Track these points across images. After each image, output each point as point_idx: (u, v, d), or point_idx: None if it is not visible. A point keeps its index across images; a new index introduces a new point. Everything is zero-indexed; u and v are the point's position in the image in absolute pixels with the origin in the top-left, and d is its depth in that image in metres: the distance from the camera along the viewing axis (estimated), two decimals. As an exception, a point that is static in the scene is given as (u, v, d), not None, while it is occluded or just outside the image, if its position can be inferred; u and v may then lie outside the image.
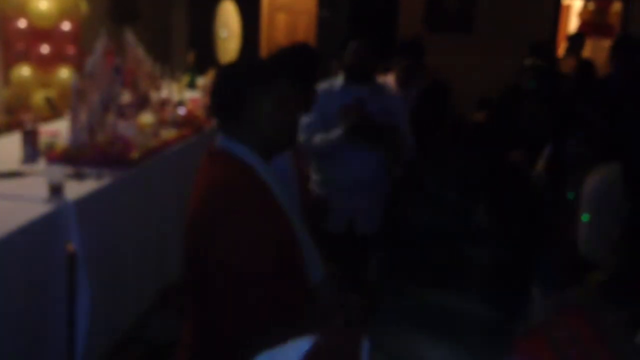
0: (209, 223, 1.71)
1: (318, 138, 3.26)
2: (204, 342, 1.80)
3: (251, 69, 1.83)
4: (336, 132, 3.21)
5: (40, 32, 5.04)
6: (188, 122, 3.69)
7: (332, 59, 4.54)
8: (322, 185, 3.41)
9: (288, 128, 1.89)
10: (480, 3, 7.83)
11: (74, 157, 2.81)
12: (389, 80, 4.21)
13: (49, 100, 4.54)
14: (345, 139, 3.19)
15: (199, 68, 5.17)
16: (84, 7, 5.36)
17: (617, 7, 8.08)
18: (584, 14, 8.50)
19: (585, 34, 7.28)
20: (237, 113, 1.79)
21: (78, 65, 4.81)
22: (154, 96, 3.62)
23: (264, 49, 8.76)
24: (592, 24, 8.16)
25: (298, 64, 2.64)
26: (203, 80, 4.86)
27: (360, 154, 3.30)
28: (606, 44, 7.56)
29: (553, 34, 7.90)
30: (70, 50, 5.17)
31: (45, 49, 5.06)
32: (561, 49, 8.15)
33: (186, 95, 4.41)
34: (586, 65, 6.43)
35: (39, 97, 4.90)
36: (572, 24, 9.10)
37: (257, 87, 1.79)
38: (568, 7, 9.12)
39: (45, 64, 5.06)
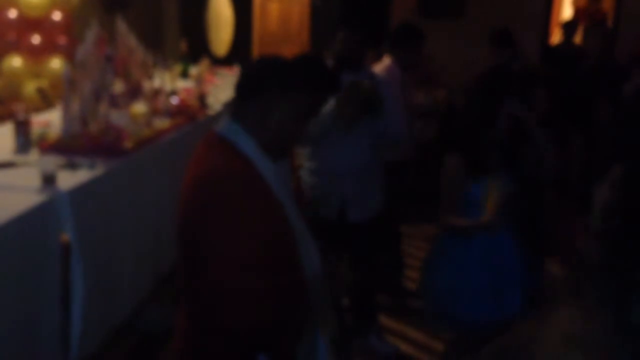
0: (202, 211, 1.70)
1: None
2: (199, 330, 1.80)
3: (287, 73, 1.83)
4: (328, 106, 3.18)
5: (31, 22, 5.00)
6: (181, 112, 3.68)
7: (325, 49, 4.52)
8: (314, 173, 3.41)
9: (290, 138, 1.89)
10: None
11: (67, 147, 2.80)
12: (386, 62, 4.18)
13: (40, 91, 4.52)
14: (336, 112, 3.16)
15: (191, 57, 5.15)
16: (74, -4, 5.32)
17: (610, -7, 8.07)
18: (577, 1, 8.50)
19: (579, 20, 7.27)
20: (255, 103, 1.80)
21: (69, 55, 4.78)
22: (147, 85, 3.60)
23: (257, 38, 8.73)
24: (585, 10, 8.16)
25: (319, 82, 2.63)
26: (196, 69, 4.84)
27: (352, 141, 3.30)
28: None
29: (546, 20, 7.89)
30: (62, 40, 5.14)
31: (36, 39, 5.02)
32: (555, 35, 8.15)
33: (179, 84, 4.40)
34: (580, 52, 6.45)
35: (30, 87, 4.87)
36: (566, 10, 9.09)
37: (284, 91, 1.79)
38: (561, -6, 9.11)
39: (36, 54, 5.02)
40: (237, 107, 1.84)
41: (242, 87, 1.85)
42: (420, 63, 4.56)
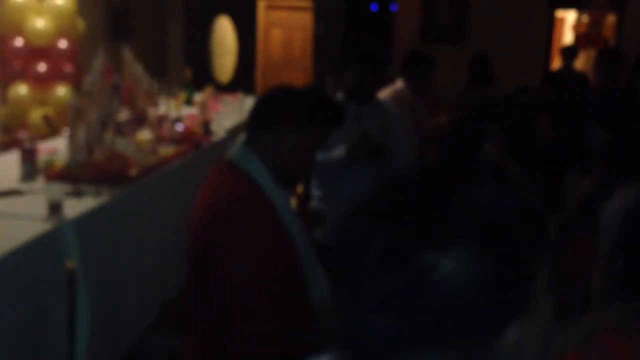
0: (213, 237, 1.71)
1: (320, 155, 3.28)
2: (207, 357, 1.80)
3: (298, 107, 1.85)
4: (339, 151, 3.24)
5: (37, 51, 5.05)
6: (186, 139, 3.70)
7: (327, 75, 4.57)
8: (322, 200, 3.43)
9: (301, 168, 1.92)
10: (473, 16, 7.89)
11: (73, 175, 2.82)
12: (397, 85, 4.26)
13: (46, 118, 4.55)
14: (347, 158, 3.22)
15: (195, 84, 5.20)
16: (80, 25, 5.38)
17: (611, 19, 8.14)
18: (578, 27, 8.57)
19: (579, 46, 7.33)
20: (267, 134, 1.82)
21: (75, 83, 4.82)
22: (152, 113, 3.63)
23: (260, 64, 8.80)
24: (586, 36, 8.23)
25: (328, 116, 2.66)
26: (200, 97, 4.88)
27: (360, 170, 3.32)
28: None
29: (547, 46, 7.95)
30: (68, 68, 5.19)
31: (42, 67, 5.07)
32: (555, 61, 8.21)
33: (183, 111, 4.43)
34: (581, 78, 6.50)
35: (36, 115, 4.91)
36: (567, 36, 9.17)
37: (295, 124, 1.82)
38: (562, 20, 9.19)
39: (42, 82, 5.07)
40: (249, 135, 1.87)
41: (255, 117, 1.87)
42: (431, 88, 4.66)
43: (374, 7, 7.94)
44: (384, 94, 4.11)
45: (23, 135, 4.22)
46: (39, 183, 2.83)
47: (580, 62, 7.59)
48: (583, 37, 8.20)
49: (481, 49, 6.17)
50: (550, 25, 7.94)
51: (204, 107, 4.31)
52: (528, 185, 3.22)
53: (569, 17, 9.21)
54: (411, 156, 3.55)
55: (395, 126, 3.43)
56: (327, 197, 3.42)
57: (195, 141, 3.76)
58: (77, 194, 2.68)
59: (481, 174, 2.89)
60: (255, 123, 1.87)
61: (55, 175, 2.84)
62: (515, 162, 3.17)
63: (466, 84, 6.06)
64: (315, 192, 3.46)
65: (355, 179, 3.36)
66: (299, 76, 8.78)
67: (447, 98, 6.50)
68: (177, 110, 4.23)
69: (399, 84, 4.27)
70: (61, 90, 5.08)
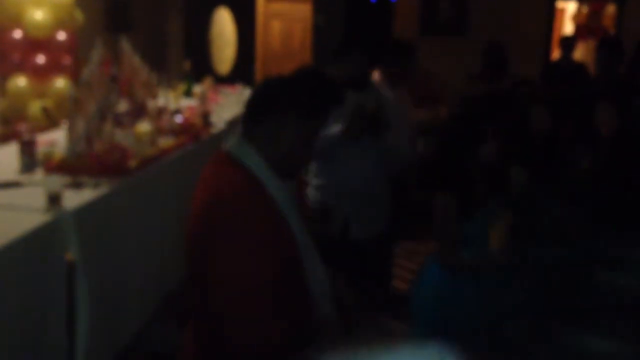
0: (211, 231, 1.71)
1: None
2: (206, 352, 1.80)
3: (297, 96, 1.83)
4: (335, 129, 3.20)
5: (36, 42, 5.04)
6: (185, 130, 3.70)
7: (327, 66, 4.54)
8: (319, 190, 3.43)
9: (300, 159, 1.90)
10: (474, 7, 7.87)
11: (72, 167, 2.81)
12: (375, 78, 4.21)
13: (45, 110, 4.55)
14: (343, 134, 3.17)
15: (195, 76, 5.19)
16: (79, 16, 5.37)
17: (611, 9, 8.12)
18: (578, 17, 8.56)
19: (577, 36, 7.32)
20: (265, 124, 1.81)
21: (74, 74, 4.82)
22: (151, 104, 3.62)
23: (260, 56, 8.78)
24: (586, 26, 8.22)
25: (328, 104, 2.65)
26: (199, 88, 4.87)
27: (357, 158, 3.32)
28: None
29: (547, 37, 7.93)
30: (66, 60, 5.18)
31: (41, 59, 5.06)
32: (555, 52, 8.20)
33: (183, 103, 4.42)
34: (579, 68, 6.50)
35: (35, 107, 4.90)
36: (567, 27, 9.15)
37: (294, 114, 1.80)
38: (562, 10, 9.17)
39: (41, 74, 5.06)
40: (246, 126, 1.85)
41: (252, 108, 1.86)
42: (411, 79, 4.58)
43: (373, -1, 7.91)
44: None
45: (22, 127, 4.21)
46: (38, 175, 2.83)
47: (580, 53, 7.58)
48: (583, 28, 8.19)
49: (491, 40, 6.11)
50: (551, 16, 7.92)
51: (203, 98, 4.30)
52: (527, 185, 3.20)
53: (569, 8, 9.19)
54: (408, 145, 3.55)
55: (395, 111, 3.43)
56: (325, 187, 3.41)
57: (194, 133, 3.76)
58: (76, 185, 2.67)
59: (478, 174, 2.87)
60: (252, 115, 1.85)
61: (55, 167, 2.83)
62: (513, 161, 3.15)
63: (467, 80, 6.02)
64: (314, 180, 3.45)
65: (355, 167, 3.35)
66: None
67: (448, 91, 6.50)
68: (177, 102, 4.23)
69: (376, 75, 4.20)
70: (60, 82, 5.07)
